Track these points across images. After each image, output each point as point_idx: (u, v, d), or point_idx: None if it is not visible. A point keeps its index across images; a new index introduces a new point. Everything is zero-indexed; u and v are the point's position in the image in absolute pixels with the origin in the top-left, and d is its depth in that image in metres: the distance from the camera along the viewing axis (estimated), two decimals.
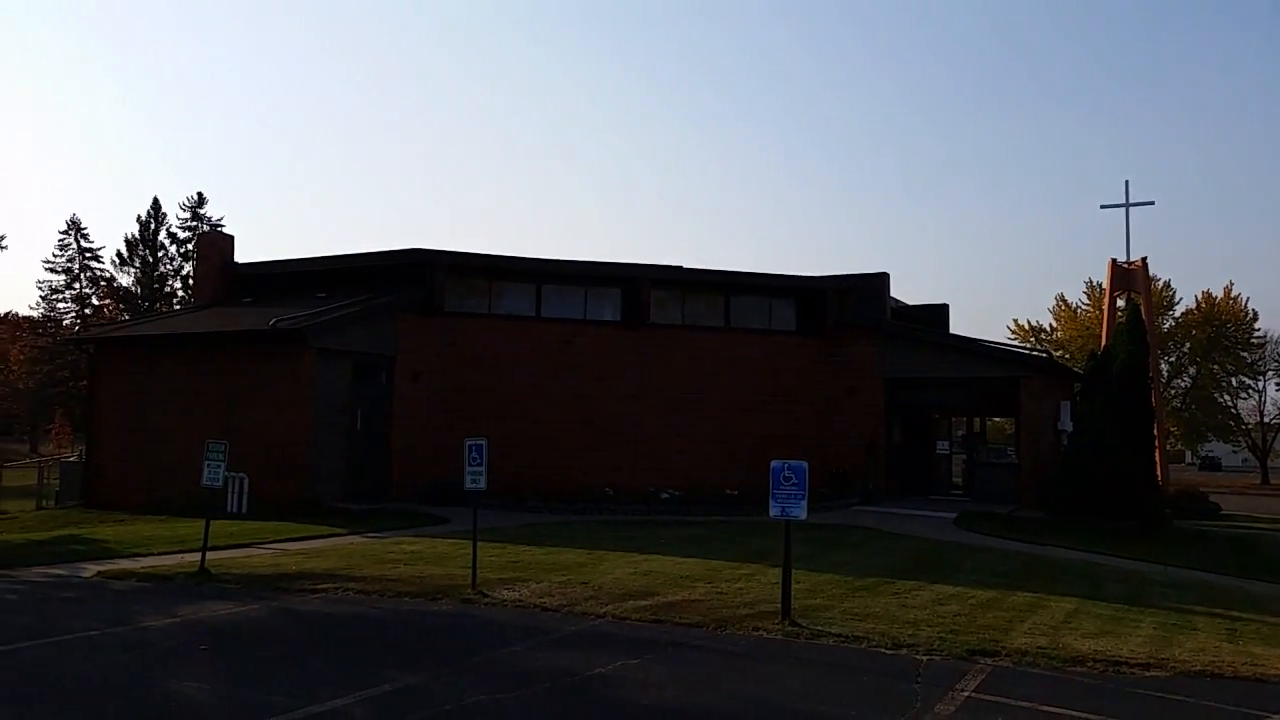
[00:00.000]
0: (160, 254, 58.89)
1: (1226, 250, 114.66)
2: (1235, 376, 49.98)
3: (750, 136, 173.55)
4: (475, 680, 7.06)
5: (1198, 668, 7.91)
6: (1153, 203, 31.26)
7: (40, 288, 59.30)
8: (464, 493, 11.60)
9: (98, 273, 59.66)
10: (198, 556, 11.96)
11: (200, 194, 59.40)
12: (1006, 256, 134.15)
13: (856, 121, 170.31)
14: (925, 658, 7.99)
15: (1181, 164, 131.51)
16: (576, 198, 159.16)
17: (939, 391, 25.60)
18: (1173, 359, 47.75)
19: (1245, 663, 8.12)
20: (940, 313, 29.22)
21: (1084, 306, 48.74)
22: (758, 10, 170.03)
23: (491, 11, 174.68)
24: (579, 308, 24.04)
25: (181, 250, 58.14)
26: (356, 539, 15.18)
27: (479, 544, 11.30)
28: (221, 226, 57.42)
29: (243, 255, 26.17)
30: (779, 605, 9.37)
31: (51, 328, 57.65)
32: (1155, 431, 22.63)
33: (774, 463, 9.43)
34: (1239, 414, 52.99)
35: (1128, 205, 29.90)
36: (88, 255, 59.44)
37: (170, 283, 58.78)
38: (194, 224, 58.31)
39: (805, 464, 9.34)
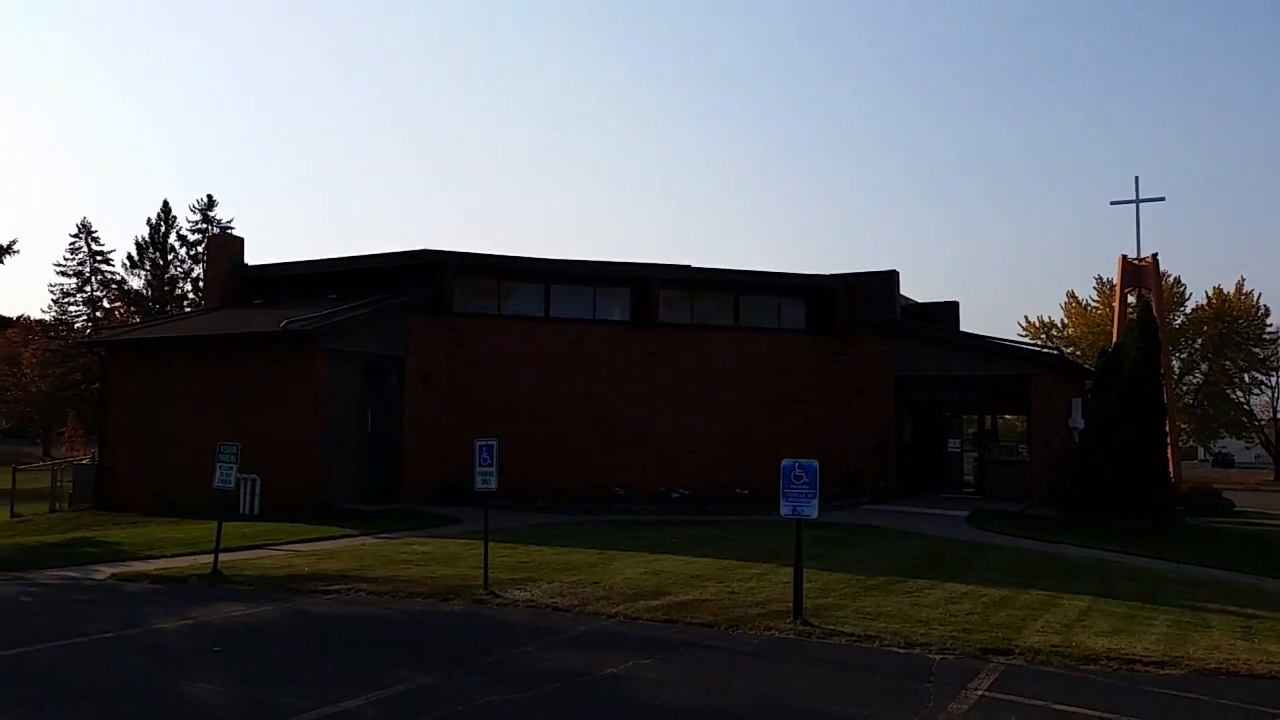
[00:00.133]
0: (170, 256, 59.02)
1: (1237, 246, 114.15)
2: (1248, 372, 49.68)
3: (758, 135, 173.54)
4: (487, 680, 7.06)
5: (1212, 666, 7.86)
6: (1163, 199, 31.10)
7: (51, 291, 59.31)
8: (474, 493, 11.63)
9: (108, 276, 59.83)
10: (210, 558, 11.99)
11: (210, 196, 59.44)
12: (1016, 253, 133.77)
13: (865, 120, 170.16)
14: (938, 657, 7.96)
15: (1191, 160, 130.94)
16: (585, 198, 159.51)
17: (949, 389, 25.50)
18: (1184, 355, 47.55)
19: (1260, 660, 8.07)
20: (950, 310, 29.11)
21: (1094, 303, 48.64)
22: (765, 9, 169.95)
23: (499, 11, 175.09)
24: (588, 308, 24.05)
25: (192, 253, 58.25)
26: (368, 540, 15.22)
27: (490, 544, 11.33)
28: (231, 229, 57.49)
29: (252, 257, 26.37)
30: (791, 604, 9.35)
31: (63, 331, 57.83)
32: (1167, 428, 22.52)
33: (785, 461, 9.41)
34: (1252, 410, 52.62)
35: (1138, 201, 29.84)
36: (98, 258, 59.62)
37: (181, 285, 58.91)
38: (204, 226, 58.43)
39: (816, 463, 9.31)
